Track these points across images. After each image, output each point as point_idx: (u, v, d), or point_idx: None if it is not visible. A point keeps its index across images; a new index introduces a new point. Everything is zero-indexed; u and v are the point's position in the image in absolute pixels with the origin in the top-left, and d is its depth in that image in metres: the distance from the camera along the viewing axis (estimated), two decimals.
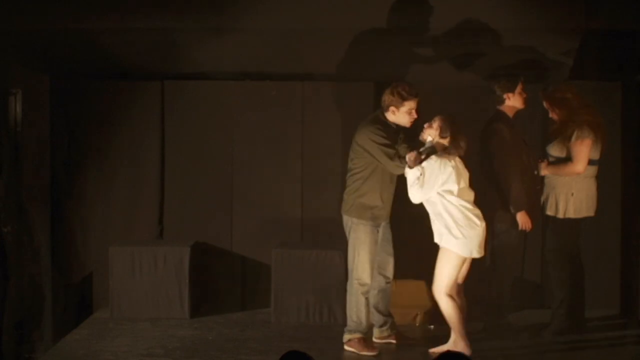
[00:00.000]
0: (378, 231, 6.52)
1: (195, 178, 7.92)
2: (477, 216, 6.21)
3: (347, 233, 6.54)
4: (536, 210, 6.75)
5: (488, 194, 6.69)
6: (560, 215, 6.78)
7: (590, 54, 7.24)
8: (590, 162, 6.74)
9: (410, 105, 6.38)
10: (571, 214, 6.77)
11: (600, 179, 6.88)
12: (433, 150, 6.24)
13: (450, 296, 6.25)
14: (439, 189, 6.15)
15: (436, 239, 6.34)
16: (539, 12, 6.90)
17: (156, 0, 6.96)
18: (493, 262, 6.78)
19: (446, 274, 6.25)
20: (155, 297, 7.39)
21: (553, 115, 6.88)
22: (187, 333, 6.98)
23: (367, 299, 6.49)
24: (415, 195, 6.22)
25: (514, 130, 6.69)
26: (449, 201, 6.16)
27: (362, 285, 6.45)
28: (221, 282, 7.88)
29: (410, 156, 6.21)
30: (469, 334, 6.32)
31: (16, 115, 7.37)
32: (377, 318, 6.67)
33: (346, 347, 6.50)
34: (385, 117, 6.44)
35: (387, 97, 6.41)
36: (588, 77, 7.48)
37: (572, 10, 6.89)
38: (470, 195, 6.28)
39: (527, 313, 7.41)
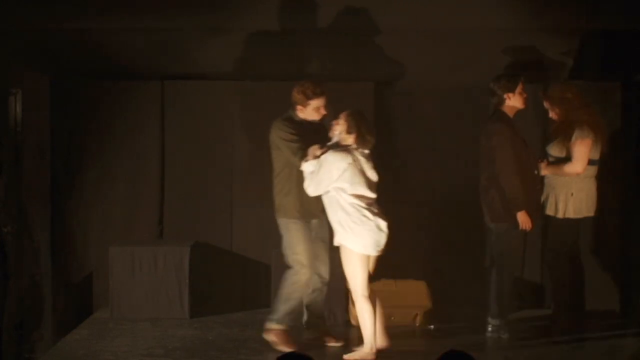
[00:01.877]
0: (310, 228, 6.52)
1: (195, 178, 7.92)
2: (373, 213, 6.14)
3: (281, 234, 6.55)
4: (536, 210, 6.75)
5: (489, 193, 6.69)
6: (560, 215, 6.79)
7: (590, 54, 7.24)
8: (590, 162, 6.74)
9: (316, 103, 6.46)
10: (571, 214, 6.77)
11: (600, 179, 6.87)
12: (336, 145, 6.24)
13: (366, 298, 6.16)
14: (334, 184, 6.13)
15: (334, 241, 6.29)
16: (539, 12, 6.91)
17: (156, 0, 6.96)
18: (493, 262, 6.78)
19: (355, 274, 6.18)
20: (155, 297, 7.39)
21: (553, 115, 6.88)
22: (187, 333, 6.98)
23: (304, 292, 6.49)
24: (309, 188, 6.23)
25: (514, 130, 6.68)
26: (343, 198, 6.14)
27: (303, 270, 6.40)
28: (221, 282, 7.88)
29: (310, 150, 6.24)
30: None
31: (16, 115, 7.37)
32: (306, 317, 6.68)
33: (265, 336, 6.47)
34: (295, 115, 6.51)
35: (294, 96, 6.49)
36: (588, 77, 7.48)
37: (572, 10, 6.90)
38: (370, 195, 6.20)
39: (527, 313, 7.41)
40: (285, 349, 6.27)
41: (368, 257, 6.18)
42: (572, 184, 6.76)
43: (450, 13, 6.94)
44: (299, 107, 6.48)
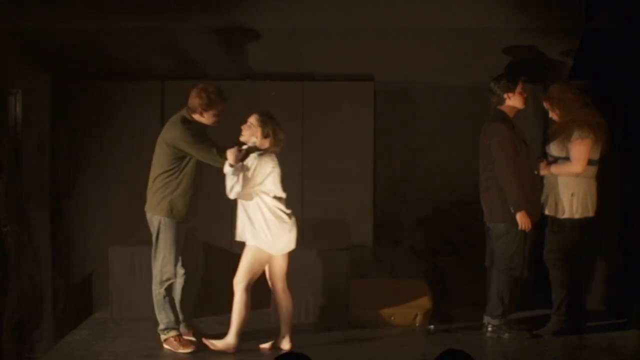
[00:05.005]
0: (185, 227, 6.57)
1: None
2: (288, 215, 6.27)
3: (154, 232, 6.56)
4: (536, 210, 6.75)
5: (489, 193, 6.69)
6: (560, 215, 6.79)
7: (590, 54, 7.24)
8: (590, 162, 6.74)
9: (218, 108, 6.44)
10: (571, 214, 6.77)
11: (600, 179, 6.87)
12: (254, 149, 6.29)
13: (248, 292, 6.32)
14: (257, 187, 6.20)
15: (240, 237, 6.38)
16: (539, 12, 6.91)
17: (156, 0, 6.96)
18: (493, 262, 6.77)
19: (252, 270, 6.33)
20: None
21: (553, 115, 6.88)
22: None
23: (171, 295, 6.54)
24: (231, 191, 6.23)
25: (514, 130, 6.69)
26: (263, 201, 6.22)
27: (168, 280, 6.49)
28: (221, 282, 7.86)
29: (229, 153, 6.23)
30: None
31: (16, 115, 7.37)
32: (182, 316, 6.70)
33: (165, 346, 6.51)
34: (192, 117, 6.48)
35: (195, 100, 6.42)
36: (588, 77, 7.48)
37: (572, 10, 6.90)
38: (284, 196, 6.31)
39: (527, 313, 7.40)
40: (185, 350, 6.41)
41: (270, 256, 6.32)
42: (572, 184, 6.76)
43: (450, 13, 6.94)
44: (199, 109, 6.41)
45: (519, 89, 6.71)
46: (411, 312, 7.21)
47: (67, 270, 7.90)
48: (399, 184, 7.92)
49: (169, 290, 6.53)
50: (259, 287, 7.75)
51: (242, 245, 7.93)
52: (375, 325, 7.10)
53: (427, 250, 7.90)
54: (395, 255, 7.90)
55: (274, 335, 6.57)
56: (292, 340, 6.42)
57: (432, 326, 7.12)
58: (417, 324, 7.19)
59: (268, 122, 6.29)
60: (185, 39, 7.29)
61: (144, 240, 7.81)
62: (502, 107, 6.74)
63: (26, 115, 7.43)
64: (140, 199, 7.94)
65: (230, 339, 6.36)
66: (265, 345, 6.47)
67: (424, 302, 7.24)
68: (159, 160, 6.52)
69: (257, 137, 6.28)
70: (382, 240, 7.92)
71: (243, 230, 6.36)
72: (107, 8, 6.95)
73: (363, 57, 7.50)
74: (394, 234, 7.87)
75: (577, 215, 6.77)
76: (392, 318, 7.15)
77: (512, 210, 6.60)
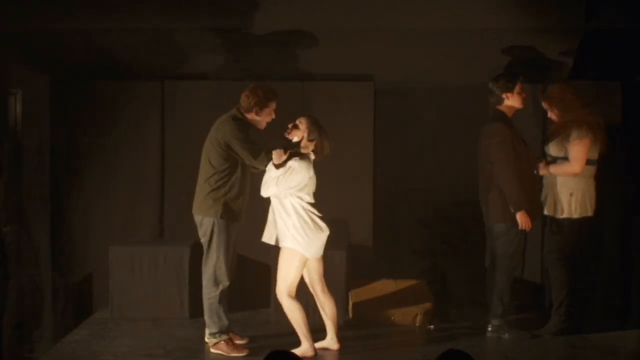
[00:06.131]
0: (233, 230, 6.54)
1: (195, 178, 7.89)
2: (321, 219, 6.23)
3: (205, 234, 6.46)
4: (536, 210, 6.75)
5: (489, 193, 6.69)
6: (559, 215, 6.79)
7: (590, 54, 7.25)
8: (589, 162, 6.74)
9: (273, 106, 6.41)
10: (570, 214, 6.77)
11: (600, 179, 6.87)
12: (298, 151, 6.25)
13: (292, 297, 6.27)
14: (291, 190, 6.15)
15: (266, 238, 6.34)
16: (539, 12, 6.91)
17: (156, 0, 6.96)
18: (493, 262, 6.78)
19: (290, 275, 6.27)
20: (155, 297, 7.39)
21: (552, 115, 6.88)
22: (187, 333, 6.98)
23: (225, 299, 6.50)
24: (267, 190, 6.21)
25: (513, 130, 6.69)
26: (298, 204, 6.17)
27: (223, 283, 6.45)
28: None
29: (275, 154, 6.21)
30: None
31: (16, 115, 7.37)
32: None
33: (213, 350, 6.44)
34: (244, 116, 6.43)
35: (251, 99, 6.38)
36: (588, 77, 7.48)
37: (572, 10, 6.90)
38: (313, 202, 6.26)
39: (527, 313, 7.41)
40: (237, 354, 6.36)
41: (307, 259, 6.26)
42: (571, 184, 6.76)
43: (450, 13, 6.94)
44: (256, 108, 6.38)
45: (517, 89, 6.71)
46: (411, 312, 7.21)
47: (67, 270, 7.91)
48: (399, 184, 7.93)
49: (223, 293, 6.47)
50: (259, 287, 7.79)
51: (241, 245, 7.97)
52: (375, 325, 7.10)
53: (427, 250, 7.90)
54: (395, 255, 7.90)
55: (275, 336, 6.57)
56: (339, 340, 6.41)
57: (432, 326, 7.12)
58: (417, 324, 7.19)
59: (317, 128, 6.26)
60: (185, 39, 7.29)
61: (144, 240, 7.84)
62: (501, 107, 6.75)
63: (26, 115, 7.43)
64: (141, 199, 7.98)
65: (304, 346, 6.27)
66: (318, 345, 6.39)
67: (424, 302, 7.24)
68: (210, 161, 6.43)
69: (302, 139, 6.25)
70: (382, 240, 7.93)
71: (274, 233, 6.31)
72: (107, 8, 6.95)
73: (363, 57, 7.50)
74: (394, 234, 7.87)
75: (575, 215, 6.77)
76: (392, 318, 7.15)
77: (512, 210, 6.61)
